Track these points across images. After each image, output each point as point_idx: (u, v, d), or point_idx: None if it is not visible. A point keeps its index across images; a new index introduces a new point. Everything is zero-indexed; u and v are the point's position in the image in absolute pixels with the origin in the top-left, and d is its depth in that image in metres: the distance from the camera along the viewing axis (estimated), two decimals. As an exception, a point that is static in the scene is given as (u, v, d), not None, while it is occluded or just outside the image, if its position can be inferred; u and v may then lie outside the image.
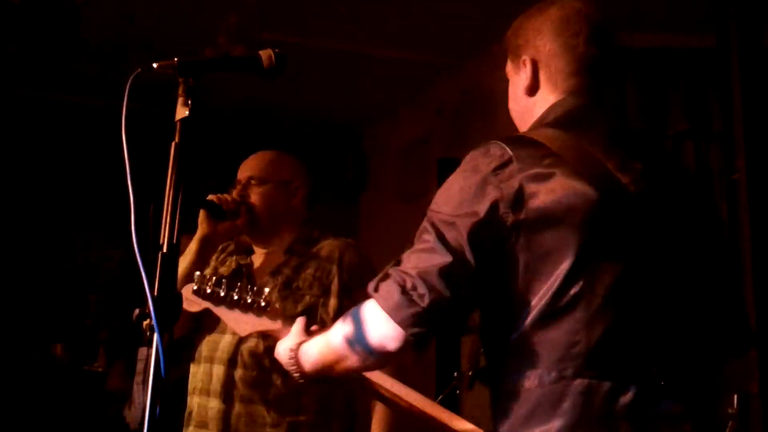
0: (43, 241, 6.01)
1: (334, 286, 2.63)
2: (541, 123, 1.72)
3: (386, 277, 1.59)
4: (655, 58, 4.71)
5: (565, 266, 1.52)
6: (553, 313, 1.53)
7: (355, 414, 2.70)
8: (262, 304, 1.88)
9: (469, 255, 1.53)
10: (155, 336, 1.41)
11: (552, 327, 1.53)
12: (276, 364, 2.53)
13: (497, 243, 1.54)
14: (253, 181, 2.72)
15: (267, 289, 1.87)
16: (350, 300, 2.63)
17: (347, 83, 5.75)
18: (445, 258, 1.53)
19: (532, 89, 1.77)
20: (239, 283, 1.89)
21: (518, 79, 1.80)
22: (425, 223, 1.60)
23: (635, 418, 1.51)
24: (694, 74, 4.69)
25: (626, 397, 1.51)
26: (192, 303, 1.86)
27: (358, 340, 1.61)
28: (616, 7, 4.48)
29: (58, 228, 6.02)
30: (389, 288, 1.56)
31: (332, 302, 2.61)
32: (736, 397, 3.05)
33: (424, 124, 5.90)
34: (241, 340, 2.59)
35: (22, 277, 5.95)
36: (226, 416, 2.55)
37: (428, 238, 1.57)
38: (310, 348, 1.78)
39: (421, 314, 1.52)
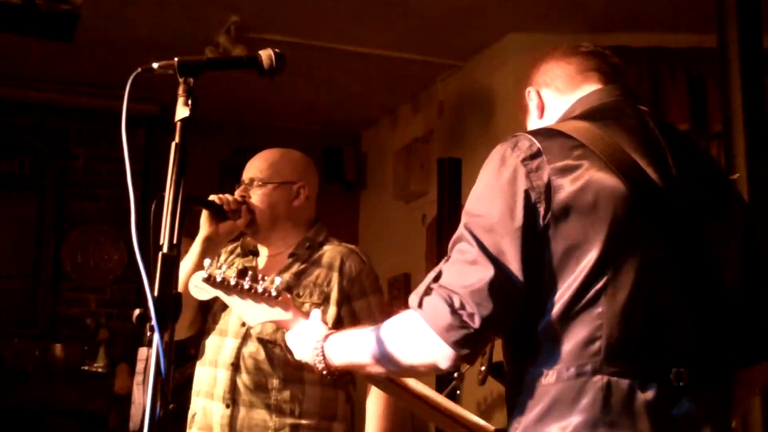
0: (43, 241, 6.00)
1: (334, 294, 2.61)
2: (568, 116, 1.72)
3: (429, 291, 1.54)
4: (655, 57, 4.70)
5: (590, 260, 1.51)
6: (575, 308, 1.51)
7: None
8: (273, 293, 1.83)
9: (512, 263, 1.51)
10: (155, 336, 1.40)
11: (574, 322, 1.52)
12: (277, 368, 2.54)
13: (535, 242, 1.52)
14: (254, 182, 2.71)
15: (279, 279, 1.83)
16: (349, 308, 2.62)
17: (347, 83, 5.75)
18: (489, 271, 1.50)
19: (540, 111, 1.84)
20: (250, 272, 1.85)
21: (530, 111, 1.88)
22: (463, 230, 1.56)
23: (655, 417, 1.50)
24: (695, 74, 4.69)
25: (646, 396, 1.50)
26: (201, 291, 1.82)
27: (404, 353, 1.59)
28: (616, 7, 4.49)
29: (57, 228, 6.01)
30: (436, 306, 1.52)
31: (331, 310, 2.60)
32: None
33: (424, 124, 5.90)
34: (243, 345, 2.58)
35: (22, 276, 5.94)
36: (229, 420, 2.55)
37: (468, 248, 1.53)
38: (344, 345, 1.75)
39: (473, 335, 1.50)
